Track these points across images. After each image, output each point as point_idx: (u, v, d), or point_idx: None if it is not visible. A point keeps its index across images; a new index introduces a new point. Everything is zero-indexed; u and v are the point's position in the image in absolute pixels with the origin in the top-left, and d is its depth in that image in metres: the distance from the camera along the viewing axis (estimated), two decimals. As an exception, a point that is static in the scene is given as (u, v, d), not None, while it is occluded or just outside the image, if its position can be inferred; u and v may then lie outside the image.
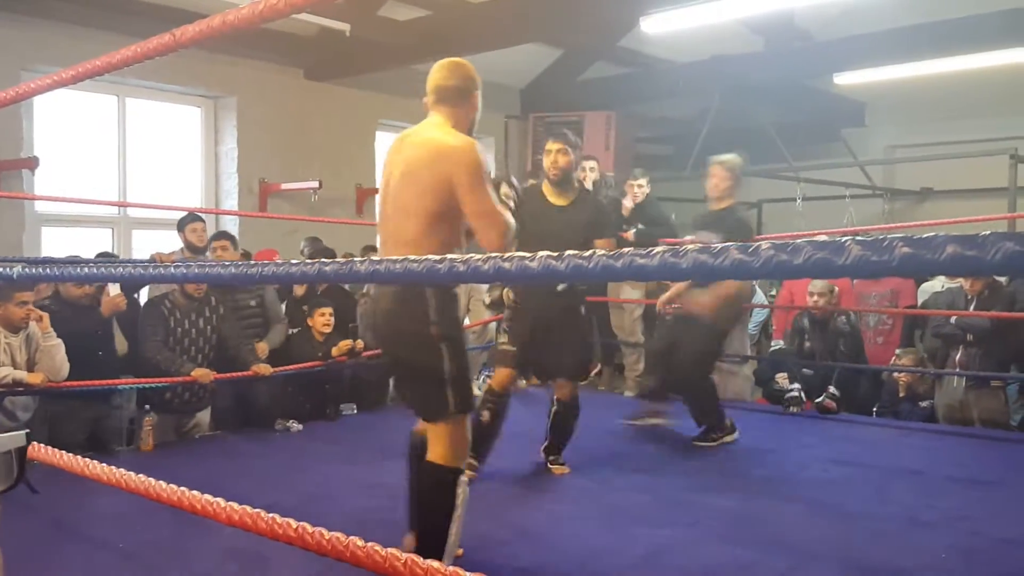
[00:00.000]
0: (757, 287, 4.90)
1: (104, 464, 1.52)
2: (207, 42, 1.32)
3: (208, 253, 4.07)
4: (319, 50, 5.65)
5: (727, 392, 4.86)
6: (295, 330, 4.36)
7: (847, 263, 0.73)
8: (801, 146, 7.17)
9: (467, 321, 4.86)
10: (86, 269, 1.39)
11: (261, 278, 1.13)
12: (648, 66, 6.62)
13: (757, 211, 8.44)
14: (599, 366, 5.60)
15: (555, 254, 0.83)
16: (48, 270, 1.69)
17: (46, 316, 3.25)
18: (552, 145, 3.18)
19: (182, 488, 1.38)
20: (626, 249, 0.83)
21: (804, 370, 4.66)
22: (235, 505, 1.29)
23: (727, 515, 2.79)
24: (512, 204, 3.06)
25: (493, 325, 4.78)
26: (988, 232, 0.67)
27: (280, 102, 5.71)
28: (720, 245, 0.79)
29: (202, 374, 3.67)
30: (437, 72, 2.14)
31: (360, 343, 4.24)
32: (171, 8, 4.63)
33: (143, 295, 4.31)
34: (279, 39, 5.43)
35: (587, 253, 0.82)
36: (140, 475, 1.45)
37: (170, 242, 4.67)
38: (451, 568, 1.10)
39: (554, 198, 3.19)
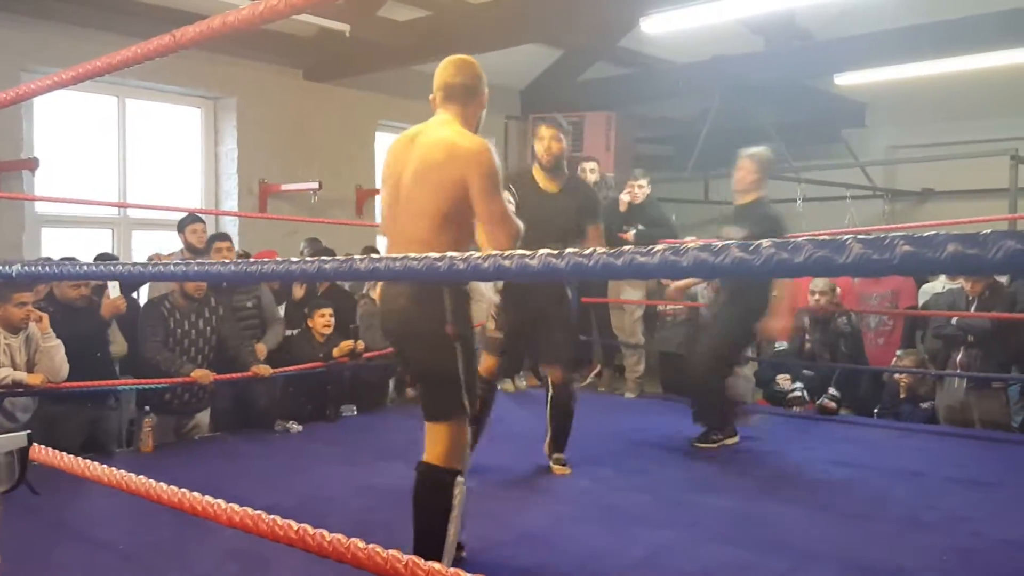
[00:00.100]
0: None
1: (104, 465, 1.52)
2: (207, 43, 1.32)
3: (212, 254, 4.08)
4: (319, 51, 5.65)
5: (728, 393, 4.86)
6: (295, 331, 4.36)
7: (848, 261, 0.73)
8: (801, 146, 7.17)
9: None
10: (86, 267, 1.39)
11: (261, 276, 1.13)
12: (648, 66, 6.62)
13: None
14: (599, 367, 5.60)
15: (555, 252, 0.83)
16: (48, 269, 1.69)
17: (45, 317, 3.25)
18: (546, 131, 3.19)
19: (183, 490, 1.38)
20: (626, 247, 0.82)
21: (804, 371, 4.66)
22: (236, 507, 1.29)
23: (727, 516, 2.78)
24: (513, 207, 3.07)
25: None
26: (989, 231, 0.67)
27: (280, 103, 5.71)
28: (720, 244, 0.78)
29: (202, 375, 3.67)
30: (445, 70, 2.12)
31: (361, 344, 4.24)
32: (171, 9, 4.63)
33: (142, 296, 4.31)
34: (279, 40, 5.44)
35: (587, 251, 0.82)
36: (140, 476, 1.45)
37: (170, 243, 4.67)
38: (452, 570, 1.09)
39: (545, 183, 3.20)
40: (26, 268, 1.47)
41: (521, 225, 2.07)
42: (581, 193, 3.30)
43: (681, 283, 3.95)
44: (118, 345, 3.81)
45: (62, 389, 3.28)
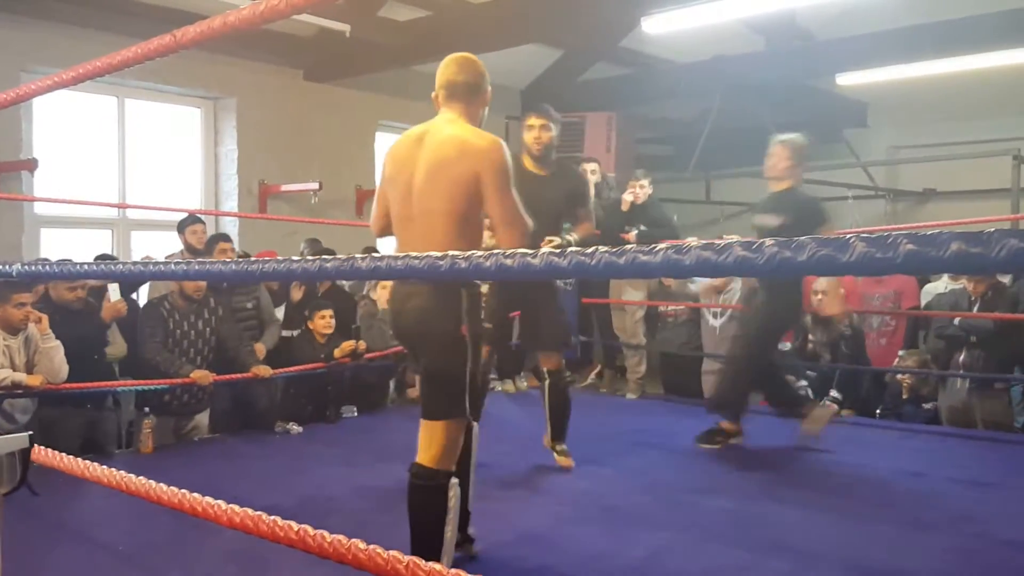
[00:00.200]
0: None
1: (104, 466, 1.51)
2: (207, 43, 1.32)
3: (216, 255, 4.08)
4: (319, 51, 5.65)
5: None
6: (295, 332, 4.36)
7: (851, 260, 0.73)
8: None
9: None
10: (86, 267, 1.39)
11: (262, 276, 1.12)
12: (649, 66, 6.62)
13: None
14: (600, 367, 5.59)
15: (558, 251, 0.82)
16: (47, 269, 1.69)
17: (45, 318, 3.24)
18: (535, 120, 3.20)
19: (182, 490, 1.38)
20: (628, 246, 0.82)
21: (807, 372, 4.65)
22: (236, 507, 1.29)
23: (727, 517, 2.78)
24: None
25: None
26: (993, 230, 0.66)
27: (280, 103, 5.71)
28: (723, 242, 0.78)
29: (201, 376, 3.66)
30: (448, 68, 2.12)
31: (362, 344, 4.23)
32: (171, 9, 4.63)
33: (142, 297, 4.31)
34: (279, 40, 5.43)
35: (590, 250, 0.81)
36: (140, 477, 1.45)
37: (170, 244, 4.67)
38: (453, 570, 1.09)
39: (534, 170, 3.23)
40: (26, 268, 1.47)
41: (531, 222, 2.08)
42: (570, 178, 3.33)
43: (719, 282, 3.75)
44: (117, 346, 3.81)
45: (61, 390, 3.28)
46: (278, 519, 1.24)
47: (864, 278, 4.62)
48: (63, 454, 1.58)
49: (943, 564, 2.37)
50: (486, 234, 2.37)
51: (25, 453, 1.18)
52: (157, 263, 1.45)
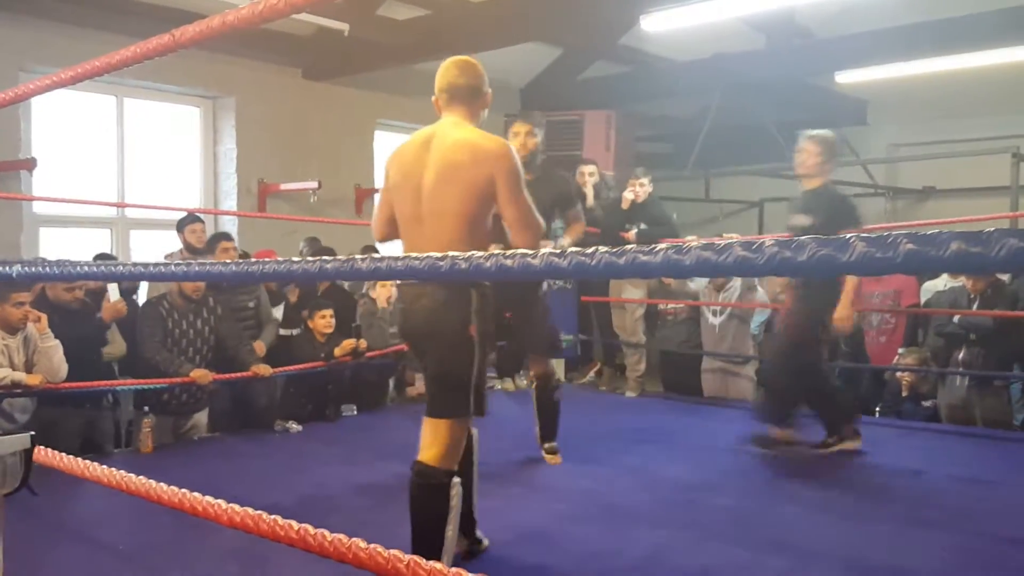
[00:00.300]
0: (759, 286, 4.88)
1: (104, 466, 1.51)
2: (206, 42, 1.32)
3: (218, 254, 4.08)
4: (318, 50, 5.64)
5: (729, 392, 4.87)
6: (294, 331, 4.36)
7: (851, 260, 0.73)
8: (802, 144, 7.15)
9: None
10: (85, 267, 1.39)
11: (261, 276, 1.12)
12: (648, 64, 6.61)
13: (759, 211, 8.44)
14: (599, 365, 5.60)
15: (558, 252, 0.82)
16: (46, 269, 1.68)
17: (44, 317, 3.24)
18: (520, 127, 3.26)
19: (182, 490, 1.38)
20: (628, 246, 0.82)
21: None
22: (236, 507, 1.29)
23: (727, 515, 2.78)
24: None
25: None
26: (992, 229, 0.67)
27: (279, 102, 5.71)
28: (723, 242, 0.78)
29: (201, 375, 3.66)
30: (448, 71, 2.13)
31: (363, 343, 4.24)
32: (170, 8, 4.62)
33: (141, 296, 4.31)
34: (278, 39, 5.43)
35: (590, 250, 0.81)
36: (140, 477, 1.45)
37: (169, 243, 4.67)
38: (453, 569, 1.09)
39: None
40: (26, 269, 1.46)
41: (543, 222, 2.13)
42: (556, 182, 3.38)
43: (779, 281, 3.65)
44: (116, 345, 3.81)
45: (61, 390, 3.28)
46: (278, 518, 1.24)
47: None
48: (63, 454, 1.58)
49: (942, 562, 2.38)
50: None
51: (27, 454, 1.18)
52: (158, 264, 1.44)
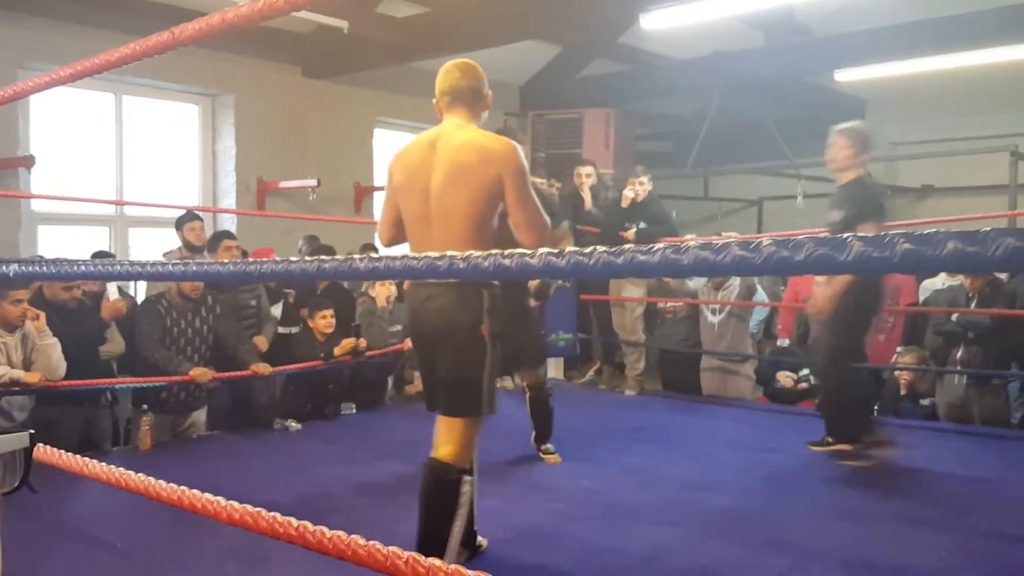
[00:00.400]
0: (759, 285, 4.89)
1: (103, 464, 1.51)
2: (205, 40, 1.31)
3: (221, 252, 4.08)
4: (317, 47, 5.63)
5: (728, 391, 4.87)
6: (293, 329, 4.36)
7: (849, 259, 0.73)
8: (802, 143, 7.16)
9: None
10: (84, 266, 1.39)
11: (260, 276, 1.12)
12: (648, 63, 6.61)
13: (758, 209, 8.45)
14: (598, 364, 5.60)
15: (556, 252, 0.83)
16: (44, 268, 1.68)
17: (42, 315, 3.24)
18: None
19: (182, 487, 1.38)
20: (627, 246, 0.82)
21: (804, 370, 4.67)
22: (235, 504, 1.29)
23: (727, 514, 2.78)
24: None
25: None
26: (989, 228, 0.67)
27: (278, 100, 5.70)
28: (721, 242, 0.78)
29: (200, 373, 3.66)
30: (450, 74, 2.16)
31: (363, 342, 4.24)
32: (169, 6, 4.61)
33: (139, 295, 4.31)
34: (277, 37, 5.42)
35: (588, 250, 0.81)
36: (139, 474, 1.45)
37: (168, 241, 4.67)
38: (452, 567, 1.09)
39: None
40: (22, 268, 1.46)
41: (549, 220, 2.18)
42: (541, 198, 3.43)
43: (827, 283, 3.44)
44: (115, 343, 3.81)
45: (60, 388, 3.28)
46: (277, 515, 1.24)
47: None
48: (62, 451, 1.58)
49: (941, 560, 2.38)
50: None
51: (27, 452, 1.18)
52: (156, 263, 1.44)
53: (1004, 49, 5.32)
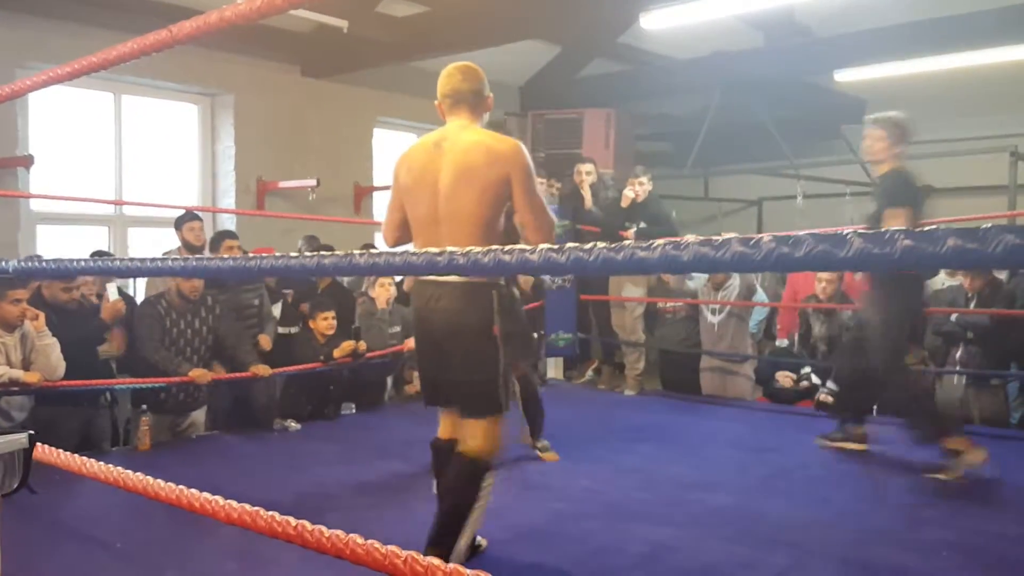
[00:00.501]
0: (758, 285, 4.89)
1: (102, 463, 1.51)
2: (204, 38, 1.31)
3: (223, 252, 4.08)
4: (316, 47, 5.63)
5: (727, 391, 4.87)
6: (293, 329, 4.36)
7: (848, 256, 0.73)
8: (801, 143, 7.17)
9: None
10: (83, 263, 1.38)
11: (259, 272, 1.12)
12: (648, 63, 6.61)
13: (758, 209, 8.45)
14: (596, 362, 5.60)
15: (555, 247, 0.82)
16: (42, 266, 1.68)
17: (42, 315, 3.23)
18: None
19: (180, 486, 1.37)
20: (626, 243, 0.82)
21: (807, 369, 4.68)
22: (234, 503, 1.28)
23: (727, 513, 2.78)
24: None
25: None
26: (989, 225, 0.67)
27: (277, 99, 5.70)
28: (721, 238, 0.78)
29: (200, 374, 3.66)
30: (452, 77, 2.19)
31: (362, 345, 4.24)
32: (168, 5, 4.61)
33: (138, 295, 4.31)
34: (276, 36, 5.42)
35: (587, 246, 0.81)
36: (138, 474, 1.45)
37: (167, 241, 4.66)
38: (451, 566, 1.09)
39: None
40: (22, 264, 1.46)
41: (555, 218, 2.23)
42: None
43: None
44: (115, 344, 3.81)
45: (59, 388, 3.27)
46: (276, 514, 1.23)
47: (863, 274, 4.62)
48: (60, 451, 1.58)
49: (941, 559, 2.38)
50: None
51: (27, 453, 1.17)
52: (155, 259, 1.44)
53: (1004, 49, 5.33)
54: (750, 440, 3.82)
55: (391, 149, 6.46)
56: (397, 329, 4.54)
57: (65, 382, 3.29)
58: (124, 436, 3.90)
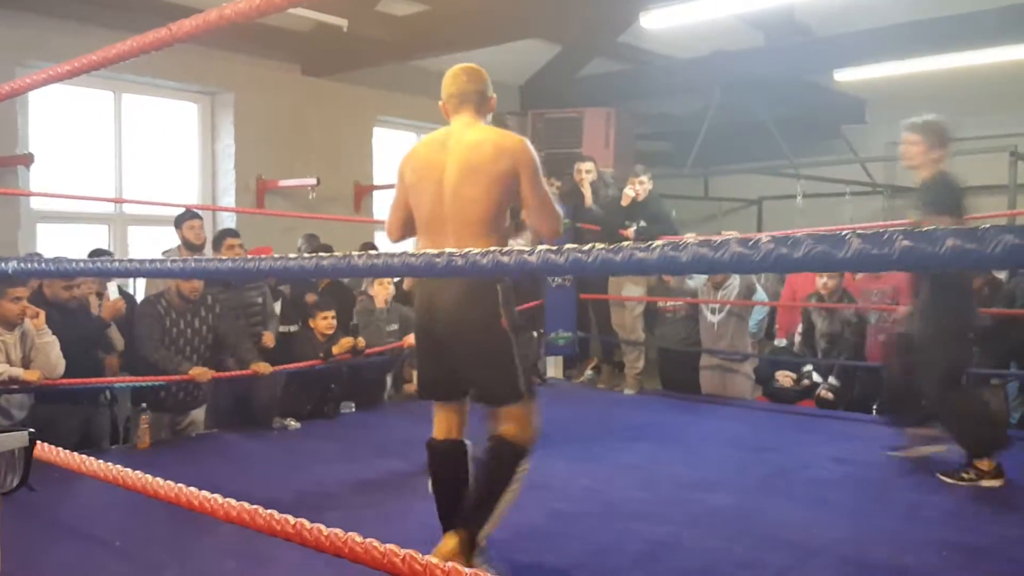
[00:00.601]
0: (758, 284, 4.89)
1: (101, 461, 1.51)
2: (204, 37, 1.31)
3: (224, 251, 4.08)
4: (317, 46, 5.63)
5: (727, 390, 4.88)
6: (292, 327, 4.36)
7: (847, 256, 0.73)
8: (801, 143, 7.17)
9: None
10: (83, 264, 1.39)
11: (258, 273, 1.12)
12: (648, 62, 6.61)
13: (757, 208, 8.45)
14: (595, 361, 5.60)
15: (554, 248, 0.82)
16: (43, 267, 1.68)
17: (42, 313, 3.23)
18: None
19: (179, 485, 1.37)
20: (625, 243, 0.82)
21: (806, 367, 4.69)
22: (233, 501, 1.29)
23: (726, 512, 2.78)
24: None
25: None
26: (988, 225, 0.67)
27: (277, 98, 5.69)
28: (719, 239, 0.78)
29: (200, 373, 3.66)
30: (458, 78, 2.22)
31: (361, 341, 4.24)
32: (168, 3, 4.60)
33: (138, 294, 4.32)
34: (276, 35, 5.41)
35: (586, 247, 0.81)
36: (137, 472, 1.45)
37: (167, 239, 4.66)
38: (449, 565, 1.09)
39: None
40: (22, 265, 1.46)
41: (562, 210, 2.27)
42: None
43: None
44: (115, 342, 3.81)
45: (59, 386, 3.28)
46: (275, 513, 1.23)
47: (862, 274, 4.63)
48: (60, 449, 1.58)
49: (940, 558, 2.38)
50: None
51: (27, 451, 1.17)
52: (155, 260, 1.44)
53: (1003, 49, 5.32)
54: (750, 439, 3.83)
55: (391, 148, 6.46)
56: (395, 327, 4.55)
57: (65, 380, 3.29)
58: (124, 434, 3.91)
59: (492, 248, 0.87)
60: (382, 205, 6.12)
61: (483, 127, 2.19)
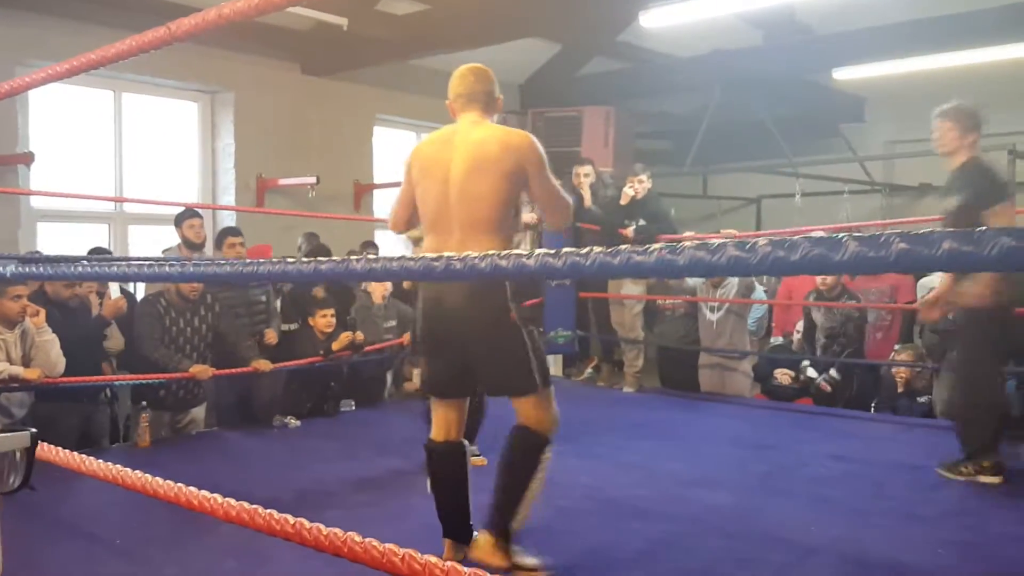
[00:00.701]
0: (757, 283, 4.90)
1: (101, 460, 1.52)
2: (203, 36, 1.32)
3: (225, 249, 4.09)
4: (316, 45, 5.63)
5: (726, 388, 4.89)
6: (292, 325, 4.37)
7: (844, 259, 0.73)
8: (800, 141, 7.16)
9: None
10: (85, 267, 1.39)
11: (256, 276, 1.13)
12: (647, 61, 6.60)
13: (756, 207, 8.45)
14: (595, 360, 5.61)
15: (552, 252, 0.83)
16: (43, 268, 1.68)
17: (42, 311, 3.24)
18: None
19: (179, 484, 1.38)
20: (623, 246, 0.82)
21: (805, 363, 4.70)
22: (233, 501, 1.29)
23: (725, 510, 2.79)
24: None
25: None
26: (985, 228, 0.67)
27: (277, 97, 5.69)
28: (718, 241, 0.78)
29: (200, 370, 3.67)
30: (466, 78, 2.25)
31: (359, 335, 4.24)
32: (167, 2, 4.60)
33: (139, 292, 4.32)
34: (276, 34, 5.41)
35: (584, 250, 0.82)
36: (137, 471, 1.45)
37: (167, 238, 4.67)
38: (448, 564, 1.10)
39: None
40: (20, 269, 1.47)
41: (572, 201, 2.32)
42: None
43: (934, 295, 3.18)
44: (115, 341, 3.82)
45: (59, 384, 3.28)
46: (274, 512, 1.24)
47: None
48: (59, 448, 1.58)
49: (939, 557, 2.39)
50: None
51: (28, 452, 1.17)
52: (153, 264, 1.44)
53: (1003, 48, 5.32)
54: (749, 437, 3.83)
55: (391, 147, 6.46)
56: (392, 323, 4.56)
57: (65, 378, 3.29)
58: (124, 433, 3.91)
59: (490, 252, 0.87)
60: (382, 204, 6.12)
61: (489, 125, 2.22)
